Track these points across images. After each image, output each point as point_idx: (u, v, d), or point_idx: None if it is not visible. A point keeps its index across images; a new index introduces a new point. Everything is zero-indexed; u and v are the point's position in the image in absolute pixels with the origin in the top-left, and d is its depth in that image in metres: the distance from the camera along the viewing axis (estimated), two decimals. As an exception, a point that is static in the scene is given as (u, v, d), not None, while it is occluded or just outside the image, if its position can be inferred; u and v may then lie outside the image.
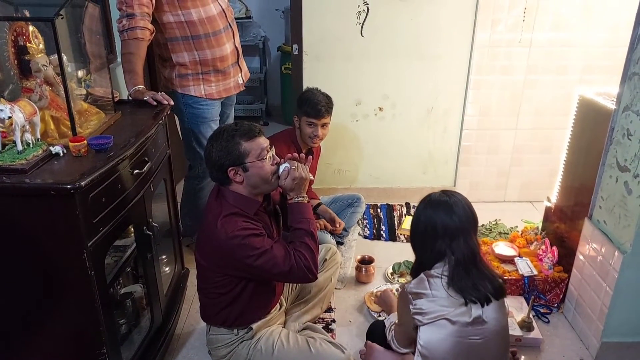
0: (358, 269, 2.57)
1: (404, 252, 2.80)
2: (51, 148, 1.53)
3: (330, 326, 2.25)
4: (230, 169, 1.69)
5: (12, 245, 1.43)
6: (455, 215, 1.55)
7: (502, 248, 2.55)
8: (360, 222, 3.07)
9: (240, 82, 2.59)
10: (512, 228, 2.94)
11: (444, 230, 1.55)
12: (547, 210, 2.63)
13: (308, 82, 3.06)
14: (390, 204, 3.34)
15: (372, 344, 1.88)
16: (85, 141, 1.55)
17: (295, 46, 3.04)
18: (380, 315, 2.27)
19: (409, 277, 2.62)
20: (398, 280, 2.56)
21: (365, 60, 3.06)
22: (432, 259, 1.57)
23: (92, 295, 1.49)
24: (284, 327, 2.01)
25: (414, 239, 1.66)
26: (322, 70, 3.07)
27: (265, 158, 1.72)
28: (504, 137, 3.23)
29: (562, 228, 2.49)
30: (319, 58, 3.05)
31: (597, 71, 3.01)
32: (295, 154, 1.84)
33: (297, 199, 1.79)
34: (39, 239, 1.42)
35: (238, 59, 2.53)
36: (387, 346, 1.83)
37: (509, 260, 2.48)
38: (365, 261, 2.58)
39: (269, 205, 1.88)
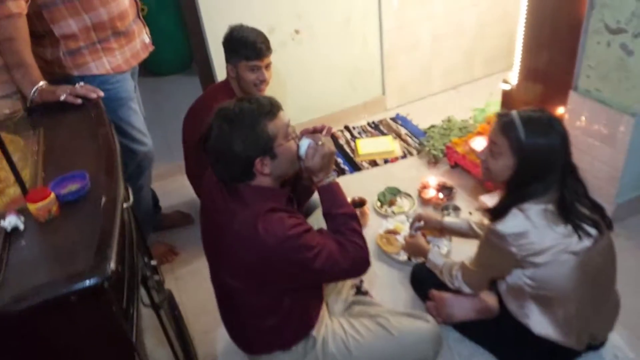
0: (352, 214, 2.29)
1: (377, 179, 2.61)
2: (2, 223, 0.92)
3: (362, 289, 2.00)
4: (257, 160, 1.24)
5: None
6: (565, 138, 1.32)
7: (481, 143, 2.45)
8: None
9: (147, 41, 1.95)
10: (463, 120, 2.87)
11: (557, 158, 1.31)
12: (506, 93, 2.57)
13: (207, 15, 2.47)
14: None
15: (440, 293, 1.69)
16: (52, 194, 0.97)
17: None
18: (400, 254, 2.08)
19: (399, 204, 2.44)
20: (392, 212, 2.36)
21: (269, -25, 2.54)
22: (534, 194, 1.33)
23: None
24: (329, 313, 1.69)
25: (521, 175, 1.35)
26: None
27: (292, 136, 1.32)
28: (422, 30, 3.05)
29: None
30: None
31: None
32: (316, 126, 1.46)
33: (327, 180, 1.43)
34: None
35: (138, 11, 1.88)
36: (445, 289, 1.66)
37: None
38: (357, 203, 2.31)
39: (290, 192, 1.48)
